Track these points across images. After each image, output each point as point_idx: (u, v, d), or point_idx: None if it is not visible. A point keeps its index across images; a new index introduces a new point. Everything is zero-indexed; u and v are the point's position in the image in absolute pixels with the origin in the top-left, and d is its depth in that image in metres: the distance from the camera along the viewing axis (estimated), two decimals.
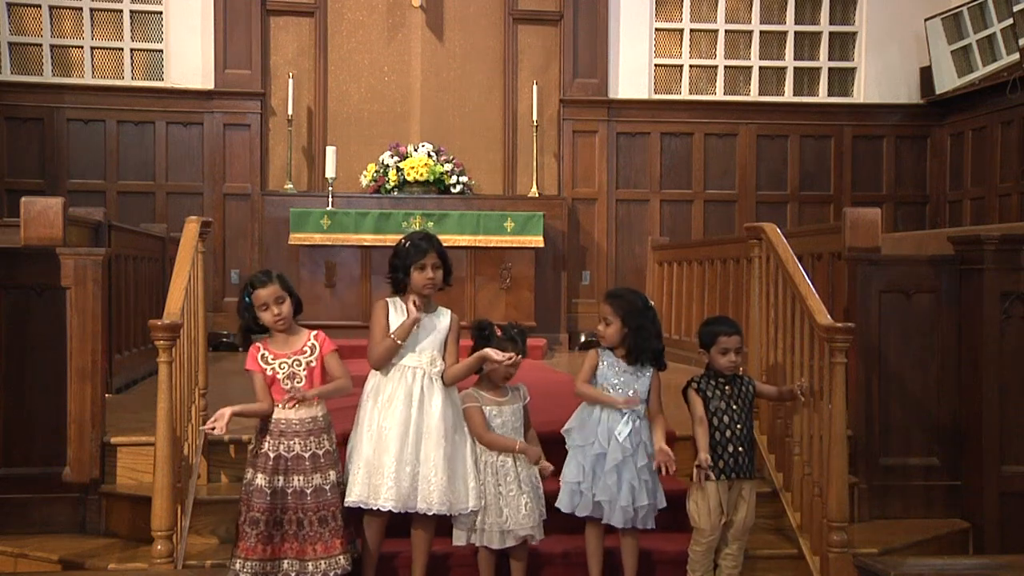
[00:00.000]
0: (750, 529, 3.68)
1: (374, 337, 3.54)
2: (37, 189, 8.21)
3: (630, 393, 3.54)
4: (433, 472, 3.42)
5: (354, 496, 3.43)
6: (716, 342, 3.67)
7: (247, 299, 3.47)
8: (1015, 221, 7.76)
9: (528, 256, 8.03)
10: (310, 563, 3.36)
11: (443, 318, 3.61)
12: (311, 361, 3.48)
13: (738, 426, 3.62)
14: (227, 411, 3.36)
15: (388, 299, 3.62)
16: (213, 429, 3.35)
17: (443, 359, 3.56)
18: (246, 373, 3.51)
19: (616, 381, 3.57)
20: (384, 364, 3.53)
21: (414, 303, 3.48)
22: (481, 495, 3.48)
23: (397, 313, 3.56)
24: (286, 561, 3.38)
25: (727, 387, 3.67)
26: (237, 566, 3.33)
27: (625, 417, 3.54)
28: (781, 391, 3.91)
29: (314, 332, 3.55)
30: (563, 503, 3.56)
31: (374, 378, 3.56)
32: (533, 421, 3.67)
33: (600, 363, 3.60)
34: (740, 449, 3.60)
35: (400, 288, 3.59)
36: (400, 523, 3.56)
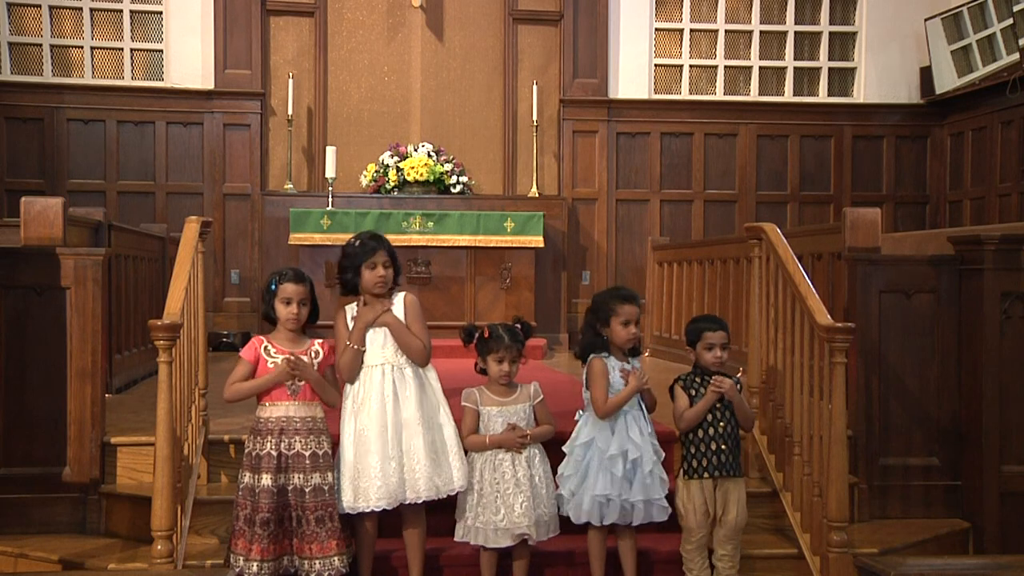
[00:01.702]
0: (743, 528, 3.67)
1: (337, 349, 3.55)
2: (37, 189, 8.22)
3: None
4: (416, 461, 3.44)
5: (345, 505, 3.45)
6: (701, 338, 3.68)
7: (273, 287, 3.50)
8: (1015, 221, 7.77)
9: (528, 256, 8.02)
10: (306, 562, 3.38)
11: (397, 306, 3.59)
12: (312, 365, 3.49)
13: (721, 424, 3.62)
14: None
15: (346, 306, 3.62)
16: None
17: None
18: (238, 359, 3.52)
19: (615, 382, 3.58)
20: (355, 373, 3.52)
21: (364, 303, 3.51)
22: (468, 475, 3.50)
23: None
24: (286, 558, 3.40)
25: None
26: (254, 569, 3.31)
27: (644, 413, 3.58)
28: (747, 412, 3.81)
29: (319, 340, 3.58)
30: (592, 516, 3.52)
31: (348, 385, 3.56)
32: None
33: (612, 372, 3.58)
34: (724, 447, 3.60)
35: (350, 289, 3.59)
36: (394, 522, 3.57)
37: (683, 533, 3.65)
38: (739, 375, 3.92)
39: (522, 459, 3.51)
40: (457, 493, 3.53)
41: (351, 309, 3.60)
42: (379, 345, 3.53)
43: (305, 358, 3.48)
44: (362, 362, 3.53)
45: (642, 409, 3.60)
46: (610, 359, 3.60)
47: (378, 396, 3.48)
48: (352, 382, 3.54)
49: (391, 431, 3.45)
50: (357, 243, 3.58)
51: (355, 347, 3.50)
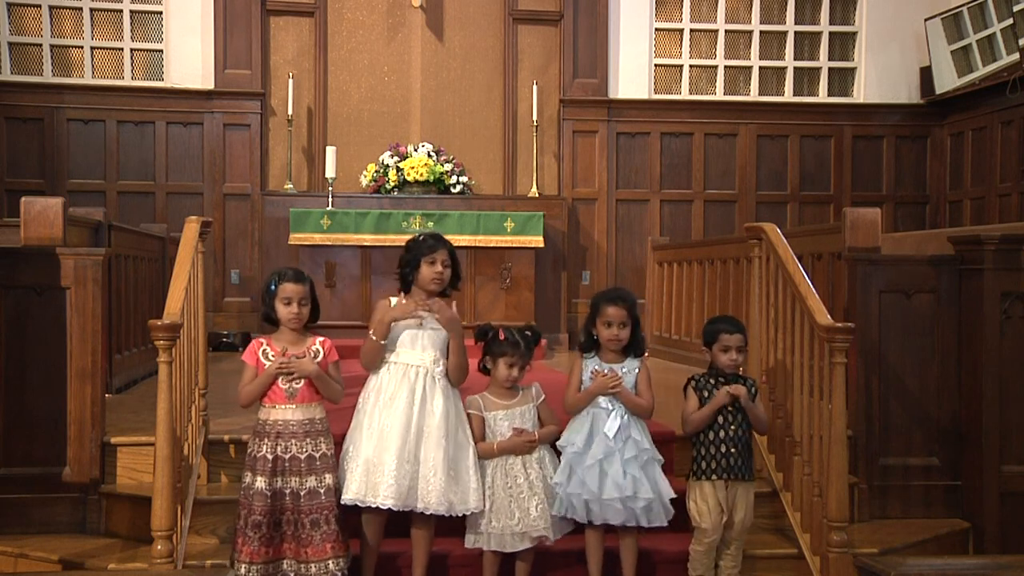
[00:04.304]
0: (748, 529, 3.68)
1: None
2: (37, 189, 8.22)
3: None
4: (432, 472, 3.42)
5: (351, 494, 3.42)
6: (718, 339, 3.67)
7: (272, 287, 3.48)
8: (1015, 221, 7.77)
9: (528, 256, 8.02)
10: (302, 565, 3.37)
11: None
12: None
13: (732, 427, 3.61)
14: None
15: (391, 297, 3.61)
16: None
17: (446, 358, 3.55)
18: (243, 364, 3.52)
19: (587, 380, 3.59)
20: (373, 364, 3.53)
21: (413, 302, 3.48)
22: (484, 497, 3.48)
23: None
24: (285, 561, 3.39)
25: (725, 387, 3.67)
26: (243, 571, 3.32)
27: (612, 413, 3.54)
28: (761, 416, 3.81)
29: (320, 338, 3.56)
30: (574, 513, 3.55)
31: (376, 376, 3.55)
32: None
33: (585, 371, 3.61)
34: (733, 450, 3.59)
35: (406, 283, 3.59)
36: (400, 522, 3.56)
37: (695, 534, 3.64)
38: (762, 380, 3.91)
39: (533, 461, 3.52)
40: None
41: (395, 300, 3.58)
42: (420, 347, 3.52)
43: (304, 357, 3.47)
44: (387, 358, 3.52)
45: (616, 408, 3.56)
46: (592, 359, 3.62)
47: (407, 395, 3.46)
48: (374, 372, 3.53)
49: (413, 434, 3.44)
50: (421, 238, 3.60)
51: (375, 339, 3.48)
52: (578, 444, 3.52)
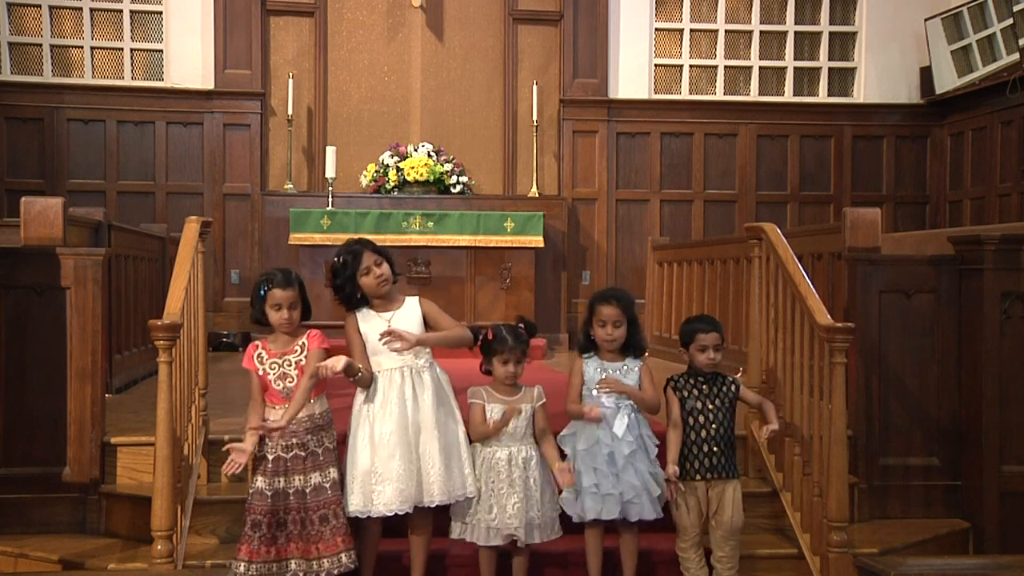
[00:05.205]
0: (740, 529, 3.67)
1: (350, 353, 3.52)
2: (37, 189, 8.21)
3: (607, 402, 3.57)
4: (431, 464, 3.43)
5: (353, 507, 3.43)
6: (694, 339, 3.68)
7: (262, 292, 3.46)
8: (1015, 221, 7.77)
9: (528, 256, 8.02)
10: (314, 562, 3.37)
11: (411, 310, 3.58)
12: (300, 360, 3.47)
13: (713, 426, 3.62)
14: (247, 447, 3.36)
15: (357, 312, 3.58)
16: (238, 468, 3.34)
17: (427, 349, 3.55)
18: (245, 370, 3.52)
19: (589, 380, 3.60)
20: (370, 383, 3.52)
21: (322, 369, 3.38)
22: (477, 482, 3.50)
23: (367, 322, 3.55)
24: (293, 561, 3.38)
25: (704, 386, 3.67)
26: (241, 569, 3.31)
27: (620, 412, 3.55)
28: (762, 402, 3.83)
29: (306, 333, 3.53)
30: (589, 510, 3.52)
31: (364, 389, 3.54)
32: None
33: (586, 371, 3.61)
34: (715, 449, 3.60)
35: (354, 302, 3.55)
36: (397, 523, 3.56)
37: (678, 532, 3.65)
38: (739, 375, 3.92)
39: (519, 459, 3.51)
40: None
41: (362, 313, 3.57)
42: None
43: (293, 357, 3.46)
44: (375, 370, 3.51)
45: (623, 407, 3.57)
46: (592, 359, 3.63)
47: (399, 399, 3.46)
48: (369, 387, 3.52)
49: (411, 433, 3.44)
50: (340, 259, 3.54)
51: (354, 379, 3.47)
52: (607, 444, 3.52)
